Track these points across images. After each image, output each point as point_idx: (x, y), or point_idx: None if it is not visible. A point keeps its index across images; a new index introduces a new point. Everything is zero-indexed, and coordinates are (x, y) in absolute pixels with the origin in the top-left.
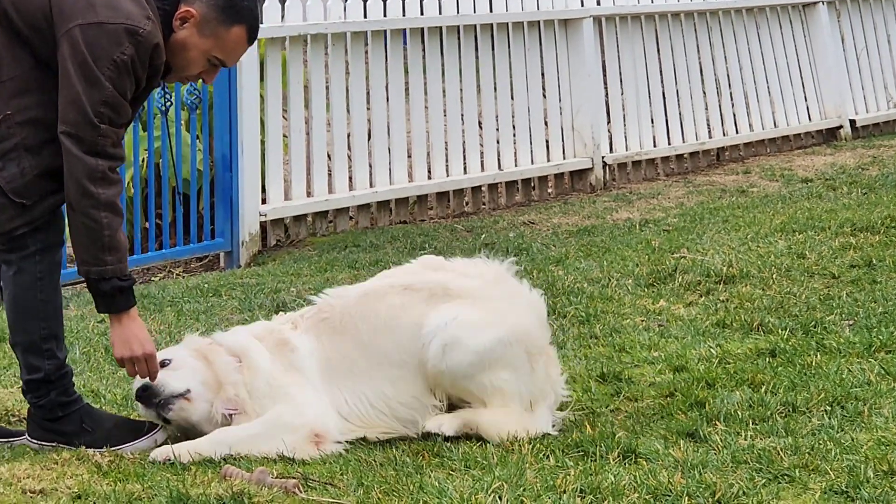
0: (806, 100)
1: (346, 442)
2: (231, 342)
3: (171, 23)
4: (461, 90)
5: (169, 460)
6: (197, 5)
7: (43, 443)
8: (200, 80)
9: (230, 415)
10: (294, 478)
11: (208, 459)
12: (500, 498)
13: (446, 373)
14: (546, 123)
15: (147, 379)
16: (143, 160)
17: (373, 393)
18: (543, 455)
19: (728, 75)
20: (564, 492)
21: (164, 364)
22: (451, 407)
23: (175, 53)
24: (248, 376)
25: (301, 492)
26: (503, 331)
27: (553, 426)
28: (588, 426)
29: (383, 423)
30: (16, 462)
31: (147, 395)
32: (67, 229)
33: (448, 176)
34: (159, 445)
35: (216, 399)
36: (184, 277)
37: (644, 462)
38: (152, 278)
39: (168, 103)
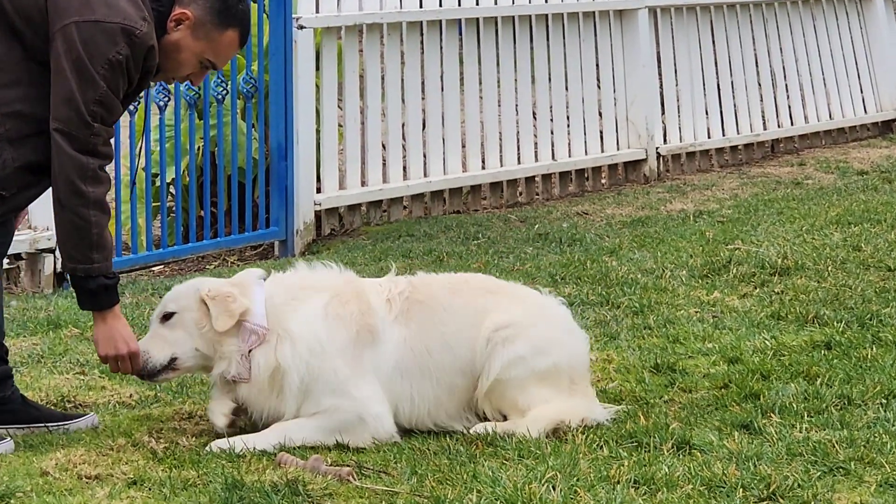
0: (862, 92)
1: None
2: (288, 324)
3: (165, 24)
4: (516, 81)
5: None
6: (192, 7)
7: None
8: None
9: (236, 380)
10: (348, 465)
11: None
12: (553, 488)
13: (506, 382)
14: (600, 114)
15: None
16: (198, 148)
17: (434, 398)
18: (597, 445)
19: (783, 67)
20: (618, 482)
21: (167, 317)
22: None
23: (167, 55)
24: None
25: (355, 479)
26: (562, 357)
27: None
28: (642, 417)
29: (424, 427)
30: (71, 448)
31: (146, 373)
32: (53, 226)
33: (502, 166)
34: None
35: (223, 360)
36: (238, 266)
37: (698, 453)
38: (207, 266)
39: (224, 92)
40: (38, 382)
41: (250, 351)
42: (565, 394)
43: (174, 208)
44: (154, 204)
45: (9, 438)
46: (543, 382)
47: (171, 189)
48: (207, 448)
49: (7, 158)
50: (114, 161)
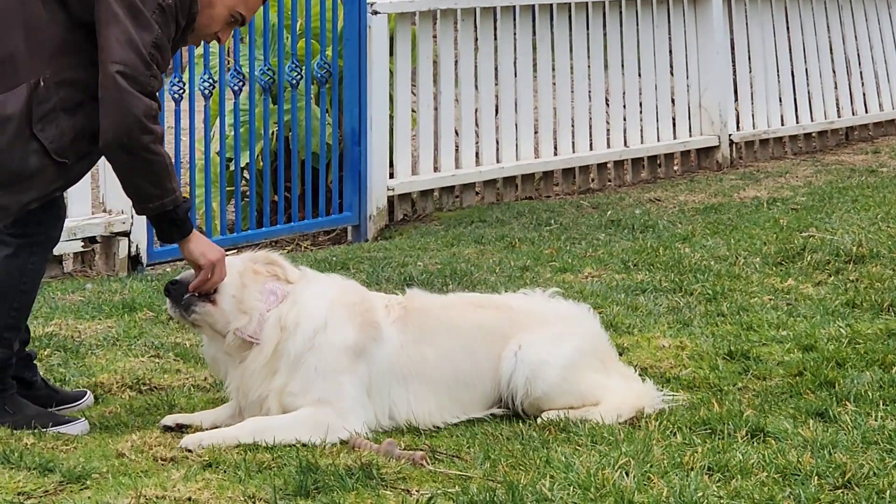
0: None
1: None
2: (302, 291)
3: None
4: (589, 67)
5: (200, 447)
6: None
7: None
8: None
9: (251, 341)
10: (422, 450)
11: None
12: (626, 474)
13: (543, 398)
14: (673, 101)
15: (181, 276)
16: (272, 133)
17: (436, 404)
18: (670, 432)
19: (858, 54)
20: (692, 469)
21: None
22: None
23: (201, 9)
24: (300, 339)
25: (428, 464)
26: (579, 340)
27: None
28: (715, 404)
29: (429, 427)
30: (146, 430)
31: (176, 291)
32: (121, 182)
33: (574, 152)
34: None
35: (242, 319)
36: (312, 251)
37: (772, 441)
38: (281, 251)
39: (298, 77)
40: (114, 365)
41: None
42: (604, 374)
43: (248, 193)
44: (228, 188)
45: (83, 419)
46: (580, 369)
47: (245, 174)
48: (180, 444)
49: (65, 127)
50: (188, 145)
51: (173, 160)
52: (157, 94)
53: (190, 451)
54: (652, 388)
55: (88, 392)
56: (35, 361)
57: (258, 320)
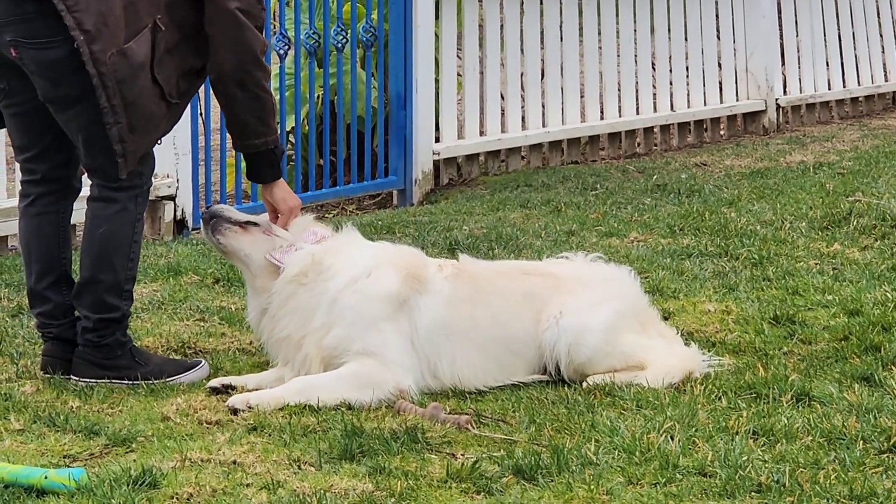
0: None
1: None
2: (345, 242)
3: None
4: (635, 31)
5: (248, 407)
6: None
7: (93, 381)
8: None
9: (275, 262)
10: (467, 414)
11: (288, 406)
12: (671, 438)
13: (587, 364)
14: (719, 65)
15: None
16: (318, 97)
17: (480, 365)
18: (715, 396)
19: None
20: (737, 433)
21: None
22: None
23: None
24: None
25: (474, 428)
26: (618, 303)
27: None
28: (761, 368)
29: (469, 389)
30: (192, 394)
31: (210, 212)
32: (228, 118)
33: (620, 116)
34: (208, 378)
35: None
36: (357, 215)
37: (818, 405)
38: (326, 215)
39: (344, 40)
40: (159, 329)
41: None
42: (645, 336)
43: (294, 157)
44: None
45: (203, 362)
46: (622, 331)
47: (291, 138)
48: (226, 403)
49: (171, 68)
50: None
51: (218, 124)
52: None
53: (236, 411)
54: (696, 352)
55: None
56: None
57: (289, 249)
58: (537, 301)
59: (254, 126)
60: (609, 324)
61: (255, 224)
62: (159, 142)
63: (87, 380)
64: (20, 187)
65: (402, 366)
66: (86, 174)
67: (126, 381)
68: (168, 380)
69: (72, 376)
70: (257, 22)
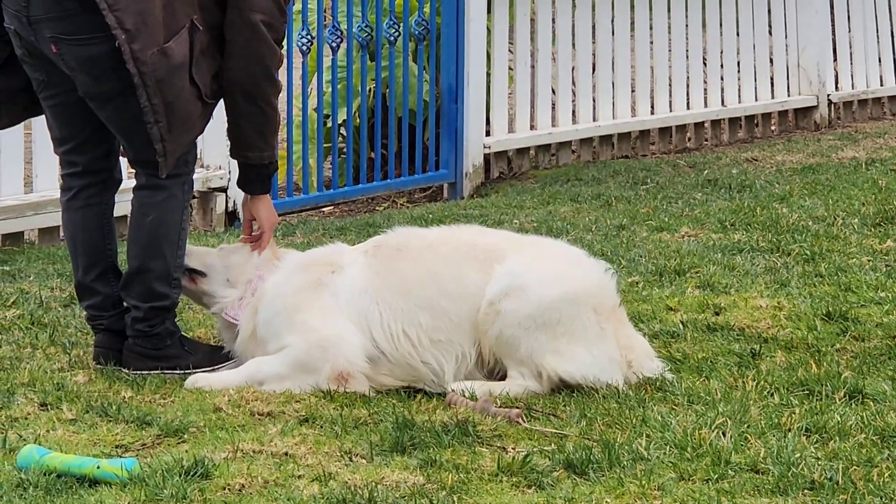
0: None
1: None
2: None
3: None
4: (687, 26)
5: (202, 388)
6: None
7: (144, 372)
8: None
9: (231, 321)
10: (518, 408)
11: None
12: (723, 434)
13: (501, 315)
14: (771, 60)
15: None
16: (370, 90)
17: (410, 317)
18: (768, 393)
19: None
20: (789, 430)
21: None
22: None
23: None
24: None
25: (524, 422)
26: (569, 287)
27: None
28: (813, 365)
29: (406, 363)
30: (244, 386)
31: None
32: (230, 124)
33: (671, 111)
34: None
35: (231, 292)
36: (408, 208)
37: (871, 403)
38: (377, 208)
39: (396, 34)
40: (210, 320)
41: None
42: (595, 335)
43: (345, 149)
44: (325, 145)
45: None
46: (552, 325)
47: (343, 130)
48: (186, 383)
49: (205, 69)
50: (286, 101)
51: None
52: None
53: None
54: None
55: None
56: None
57: (238, 302)
58: (483, 254)
59: (252, 139)
60: (549, 301)
61: (202, 274)
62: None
63: (139, 372)
64: (61, 181)
65: (339, 343)
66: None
67: (178, 371)
68: (218, 367)
69: (123, 369)
70: (278, 35)
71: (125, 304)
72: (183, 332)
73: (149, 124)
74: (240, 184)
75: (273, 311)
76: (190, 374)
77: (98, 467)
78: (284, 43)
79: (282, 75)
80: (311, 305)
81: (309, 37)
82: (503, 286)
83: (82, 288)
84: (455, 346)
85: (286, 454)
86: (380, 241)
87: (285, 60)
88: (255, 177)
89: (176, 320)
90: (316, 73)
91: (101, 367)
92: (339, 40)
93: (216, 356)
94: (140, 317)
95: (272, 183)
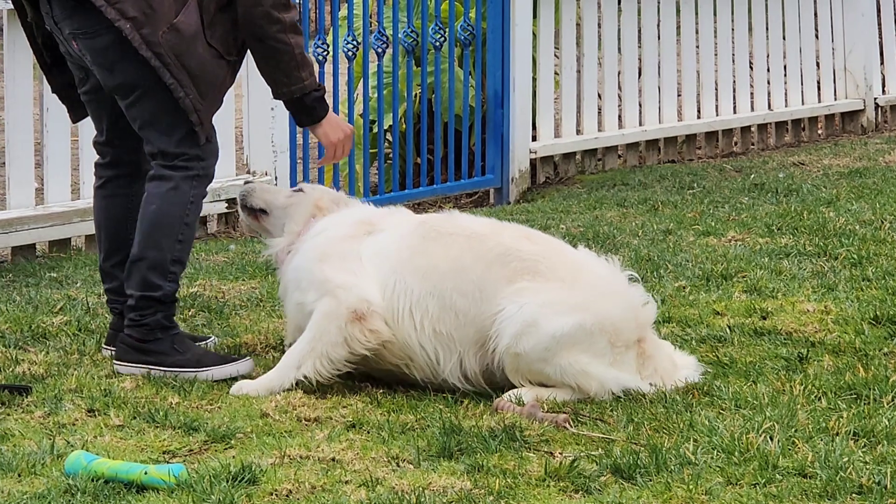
0: None
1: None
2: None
3: None
4: (732, 30)
5: (248, 395)
6: None
7: (133, 366)
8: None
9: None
10: (565, 412)
11: (286, 389)
12: (770, 438)
13: (522, 357)
14: (817, 64)
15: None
16: (415, 95)
17: (419, 300)
18: (815, 397)
19: None
20: (837, 434)
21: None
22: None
23: None
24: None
25: (571, 426)
26: (588, 317)
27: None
28: (861, 369)
29: (404, 341)
30: (291, 391)
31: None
32: (258, 68)
33: (717, 115)
34: (243, 376)
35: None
36: None
37: None
38: (423, 213)
39: (442, 39)
40: (257, 326)
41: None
42: (607, 362)
43: (391, 155)
44: (371, 150)
45: (248, 357)
46: (571, 347)
47: (388, 136)
48: (232, 390)
49: (225, 26)
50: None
51: None
52: None
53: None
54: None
55: (212, 337)
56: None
57: (286, 247)
58: (517, 263)
59: (276, 76)
60: (563, 333)
61: (264, 212)
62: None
63: (128, 365)
64: (94, 169)
65: (351, 288)
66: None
67: (160, 368)
68: (201, 370)
69: (114, 362)
70: None
71: None
72: (185, 331)
73: (180, 99)
74: (294, 119)
75: (302, 259)
76: (175, 373)
77: (145, 473)
78: (330, 47)
79: (327, 81)
80: (335, 259)
81: (355, 42)
82: (517, 327)
83: (103, 272)
84: (456, 346)
85: (333, 459)
86: (427, 220)
87: (330, 65)
88: (299, 109)
89: (174, 316)
90: (362, 79)
91: (109, 350)
92: (384, 46)
93: (206, 360)
94: (133, 305)
95: (325, 108)
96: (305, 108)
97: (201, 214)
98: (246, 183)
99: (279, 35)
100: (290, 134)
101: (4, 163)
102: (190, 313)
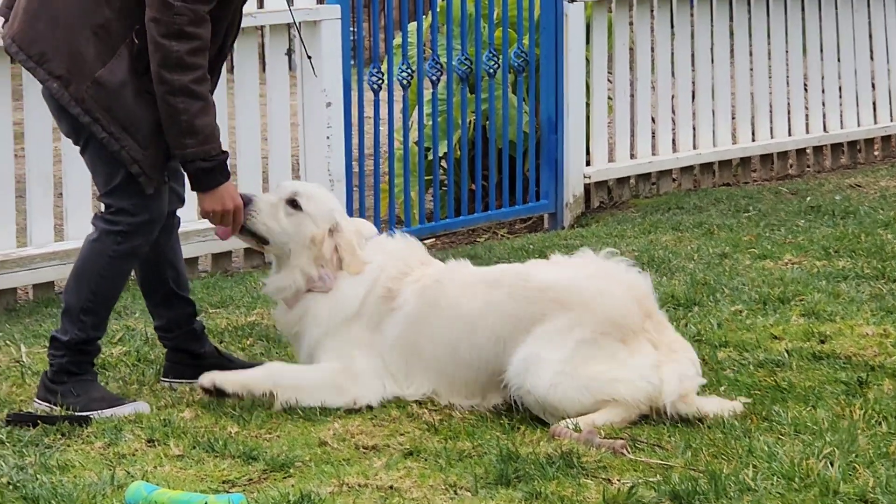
0: None
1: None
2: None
3: None
4: (786, 52)
5: (214, 386)
6: None
7: (41, 403)
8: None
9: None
10: (622, 438)
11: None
12: (831, 464)
13: (548, 399)
14: (873, 85)
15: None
16: (470, 122)
17: (428, 383)
18: (875, 421)
19: None
20: None
21: (294, 204)
22: None
23: None
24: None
25: (629, 453)
26: (585, 331)
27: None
28: None
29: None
30: (349, 419)
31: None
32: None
33: (772, 138)
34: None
35: (290, 274)
36: (509, 238)
37: None
38: (478, 239)
39: (495, 66)
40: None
41: (308, 291)
42: (623, 359)
43: (446, 182)
44: (426, 178)
45: (138, 401)
46: (586, 362)
47: (443, 163)
48: (197, 382)
49: None
50: (387, 135)
51: (372, 150)
52: (190, 26)
53: (208, 391)
54: (682, 375)
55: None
56: (204, 331)
57: (294, 287)
58: (503, 324)
59: (168, 136)
60: (565, 356)
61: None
62: None
63: (39, 402)
64: None
65: (366, 381)
66: None
67: (46, 405)
68: (86, 413)
69: (35, 397)
70: (165, 28)
71: (194, 324)
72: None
73: (115, 153)
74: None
75: (322, 343)
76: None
77: (206, 503)
78: (385, 75)
79: (382, 109)
80: (365, 342)
81: (409, 70)
82: (519, 369)
83: (148, 311)
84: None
85: (391, 487)
86: (434, 277)
87: (385, 94)
88: (186, 172)
89: (87, 364)
90: (416, 107)
91: (167, 381)
92: (438, 73)
93: (101, 402)
94: (49, 343)
95: (212, 180)
96: (189, 173)
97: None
98: (244, 198)
99: (166, 97)
100: (346, 162)
101: (62, 194)
102: (248, 342)
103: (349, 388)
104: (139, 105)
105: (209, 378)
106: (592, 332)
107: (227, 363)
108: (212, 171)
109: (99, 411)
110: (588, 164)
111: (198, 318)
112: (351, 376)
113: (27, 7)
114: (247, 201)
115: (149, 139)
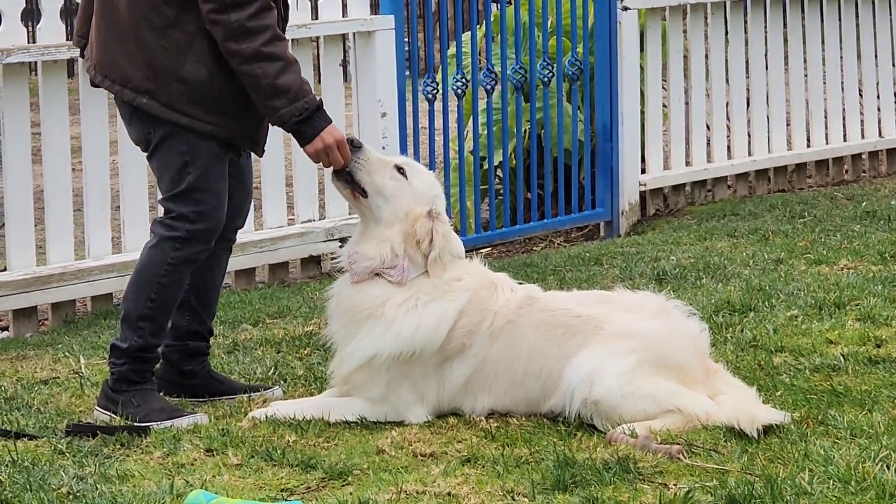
0: None
1: None
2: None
3: None
4: (841, 57)
5: (274, 416)
6: None
7: (101, 411)
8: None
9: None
10: (678, 444)
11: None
12: (887, 467)
13: (600, 403)
14: None
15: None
16: (525, 131)
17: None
18: None
19: None
20: None
21: (401, 171)
22: None
23: None
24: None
25: (685, 458)
26: (645, 353)
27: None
28: None
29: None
30: (406, 428)
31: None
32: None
33: (828, 144)
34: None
35: (376, 245)
36: (565, 247)
37: None
38: (534, 248)
39: (550, 74)
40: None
41: (377, 274)
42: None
43: (501, 191)
44: (482, 187)
45: (199, 413)
46: (646, 375)
47: (499, 172)
48: (249, 416)
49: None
50: (442, 144)
51: (427, 160)
52: None
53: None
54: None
55: (277, 388)
56: (203, 355)
57: (368, 265)
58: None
59: (258, 104)
60: (627, 367)
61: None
62: None
63: (100, 410)
64: None
65: (404, 412)
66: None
67: (107, 414)
68: (146, 424)
69: (96, 406)
70: (219, 3)
71: (189, 343)
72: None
73: (205, 134)
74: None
75: (400, 347)
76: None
77: None
78: (439, 85)
79: (437, 119)
80: (421, 372)
81: (464, 80)
82: (581, 377)
83: None
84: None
85: (449, 494)
86: (512, 315)
87: (440, 103)
88: (290, 132)
89: (147, 372)
90: (471, 116)
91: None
92: (493, 83)
93: (160, 413)
94: (109, 351)
95: (313, 128)
96: (291, 132)
97: (315, 254)
98: (353, 143)
99: (242, 67)
100: None
101: (119, 206)
102: (306, 352)
103: (384, 417)
104: (230, 84)
105: (264, 412)
106: (657, 361)
107: (217, 384)
108: (309, 119)
109: (158, 422)
110: (643, 171)
111: (204, 343)
112: (393, 410)
113: (97, 34)
114: (357, 146)
115: (241, 110)
